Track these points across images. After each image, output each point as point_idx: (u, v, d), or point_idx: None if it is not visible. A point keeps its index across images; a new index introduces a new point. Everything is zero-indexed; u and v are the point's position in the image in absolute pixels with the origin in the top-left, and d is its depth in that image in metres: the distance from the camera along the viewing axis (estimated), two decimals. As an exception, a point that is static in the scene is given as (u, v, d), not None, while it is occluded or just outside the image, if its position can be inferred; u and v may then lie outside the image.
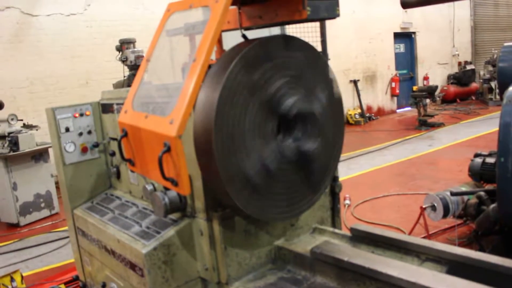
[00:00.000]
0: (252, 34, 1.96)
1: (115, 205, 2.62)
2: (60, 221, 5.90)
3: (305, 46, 1.92)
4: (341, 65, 11.99)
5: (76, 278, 3.36)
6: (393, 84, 13.82)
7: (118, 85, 6.13)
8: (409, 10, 13.14)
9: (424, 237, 3.95)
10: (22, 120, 6.21)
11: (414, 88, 12.23)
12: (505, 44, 4.53)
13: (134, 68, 5.80)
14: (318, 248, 1.93)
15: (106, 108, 2.75)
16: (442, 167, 7.07)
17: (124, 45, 5.97)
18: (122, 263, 2.23)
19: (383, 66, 13.68)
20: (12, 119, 5.93)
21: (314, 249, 1.93)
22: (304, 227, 2.28)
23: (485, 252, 3.37)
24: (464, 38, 16.83)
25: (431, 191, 5.07)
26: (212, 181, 1.74)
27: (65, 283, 3.59)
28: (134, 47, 5.99)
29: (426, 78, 14.99)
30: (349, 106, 12.62)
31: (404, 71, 14.79)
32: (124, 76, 6.20)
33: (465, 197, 3.88)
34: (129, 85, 5.48)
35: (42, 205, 6.07)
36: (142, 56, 5.75)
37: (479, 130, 9.73)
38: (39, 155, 6.02)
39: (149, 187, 2.23)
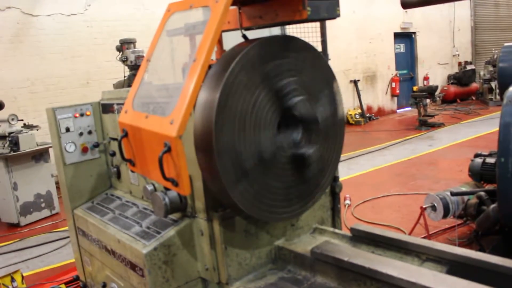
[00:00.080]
0: (252, 34, 1.96)
1: (115, 205, 2.62)
2: (60, 221, 5.91)
3: (306, 47, 1.92)
4: (341, 65, 11.99)
5: (77, 278, 3.36)
6: (393, 84, 13.83)
7: (118, 85, 6.14)
8: (409, 10, 13.15)
9: (424, 237, 3.95)
10: (22, 120, 6.21)
11: (414, 88, 12.24)
12: (506, 44, 4.54)
13: (134, 68, 5.81)
14: (318, 248, 1.93)
15: (106, 108, 2.75)
16: (442, 167, 7.07)
17: (124, 45, 5.97)
18: (122, 263, 2.23)
19: (383, 66, 13.68)
20: (12, 119, 5.94)
21: (314, 249, 1.94)
22: (305, 227, 2.28)
23: (485, 252, 3.37)
24: (464, 38, 16.83)
25: (431, 191, 5.07)
26: (213, 181, 1.74)
27: (66, 283, 3.59)
28: (134, 47, 6.00)
29: (426, 78, 14.99)
30: (350, 106, 12.62)
31: (404, 71, 14.79)
32: (125, 76, 6.21)
33: (465, 197, 3.88)
34: (129, 85, 5.48)
35: (43, 205, 6.07)
36: (143, 56, 5.75)
37: (479, 130, 9.72)
38: (40, 155, 6.03)
39: (150, 187, 2.23)
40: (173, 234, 2.02)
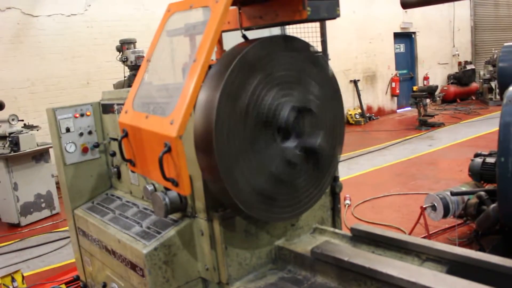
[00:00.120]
0: (252, 35, 1.96)
1: (115, 205, 2.62)
2: (60, 221, 5.91)
3: (306, 47, 1.92)
4: (341, 65, 12.00)
5: (77, 278, 3.36)
6: (393, 84, 13.83)
7: (118, 86, 6.14)
8: (409, 10, 13.14)
9: (424, 237, 3.95)
10: (23, 120, 6.22)
11: (414, 88, 12.24)
12: (505, 44, 4.54)
13: (134, 68, 5.81)
14: (318, 248, 1.93)
15: (106, 108, 2.75)
16: (442, 167, 7.07)
17: (124, 45, 5.97)
18: (122, 263, 2.23)
19: (383, 66, 13.68)
20: (13, 120, 5.94)
21: (314, 249, 1.94)
22: (305, 227, 2.28)
23: (486, 252, 3.37)
24: (464, 38, 16.83)
25: (431, 191, 5.07)
26: (213, 181, 1.74)
27: (66, 283, 3.59)
28: (134, 47, 6.00)
29: (426, 78, 14.99)
30: (350, 106, 12.62)
31: (404, 71, 14.79)
32: (125, 77, 6.21)
33: (465, 197, 3.88)
34: (129, 86, 5.48)
35: (43, 205, 6.08)
36: (143, 57, 5.75)
37: (479, 130, 9.72)
38: (40, 155, 6.03)
39: (150, 187, 2.24)
40: (173, 234, 2.02)
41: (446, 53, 16.13)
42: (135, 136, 1.80)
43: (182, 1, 1.87)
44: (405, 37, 14.62)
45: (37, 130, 6.23)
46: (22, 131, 5.91)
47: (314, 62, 1.95)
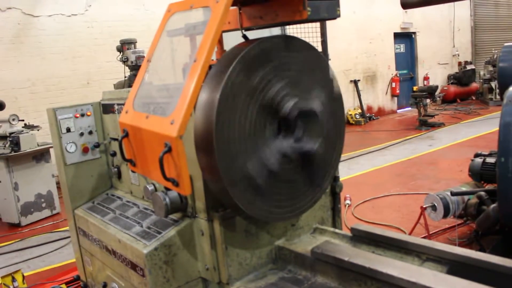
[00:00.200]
0: (252, 35, 1.97)
1: (116, 205, 2.63)
2: (61, 221, 5.91)
3: (306, 47, 1.93)
4: (341, 65, 12.00)
5: (77, 278, 3.37)
6: (394, 84, 13.82)
7: (119, 86, 6.14)
8: (409, 11, 13.15)
9: (424, 237, 3.95)
10: (23, 120, 6.22)
11: (415, 88, 12.23)
12: (506, 44, 4.54)
13: (134, 68, 5.81)
14: (318, 248, 1.93)
15: (107, 108, 2.75)
16: (443, 167, 7.07)
17: (125, 45, 5.97)
18: (123, 263, 2.23)
19: (384, 66, 13.68)
20: (13, 120, 5.94)
21: (314, 249, 1.94)
22: (305, 227, 2.28)
23: (486, 252, 3.37)
24: (464, 38, 16.83)
25: (431, 191, 5.07)
26: (213, 181, 1.74)
27: (66, 283, 3.59)
28: (134, 47, 6.00)
29: (426, 78, 14.99)
30: (350, 106, 12.62)
31: (405, 71, 14.79)
32: (125, 77, 6.21)
33: (466, 197, 3.88)
34: (130, 86, 5.49)
35: (43, 205, 6.08)
36: (143, 57, 5.76)
37: (479, 130, 9.72)
38: (40, 155, 6.03)
39: (150, 187, 2.24)
40: (173, 234, 2.02)
41: (446, 53, 16.13)
42: (135, 136, 1.80)
43: (182, 1, 1.87)
44: (405, 37, 14.62)
45: (38, 130, 6.23)
46: (22, 131, 5.92)
47: (315, 63, 1.95)
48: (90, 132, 2.80)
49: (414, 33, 14.72)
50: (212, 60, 1.66)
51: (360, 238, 2.08)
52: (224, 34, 2.26)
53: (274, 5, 1.87)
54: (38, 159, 6.01)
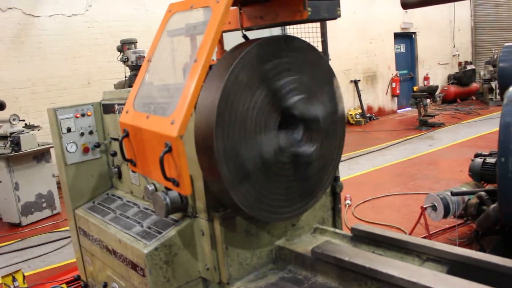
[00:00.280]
0: (253, 35, 1.97)
1: (116, 205, 2.63)
2: (61, 221, 5.91)
3: (306, 47, 1.93)
4: (341, 65, 12.00)
5: (78, 278, 3.37)
6: (394, 84, 13.82)
7: (119, 86, 6.14)
8: (410, 11, 13.15)
9: (424, 237, 3.95)
10: (24, 120, 6.22)
11: (415, 88, 12.23)
12: (506, 44, 4.54)
13: (135, 68, 5.81)
14: (319, 248, 1.94)
15: (107, 108, 2.75)
16: (443, 167, 7.07)
17: (125, 45, 5.97)
18: (123, 263, 2.23)
19: (384, 66, 13.68)
20: (14, 120, 5.95)
21: (315, 249, 1.94)
22: (305, 227, 2.28)
23: (486, 252, 3.37)
24: (465, 38, 16.82)
25: (431, 191, 5.07)
26: (214, 181, 1.75)
27: (67, 283, 3.60)
28: (135, 47, 6.00)
29: (426, 78, 14.99)
30: (350, 106, 12.63)
31: (405, 71, 14.78)
32: (125, 77, 6.21)
33: (466, 197, 3.88)
34: (130, 86, 5.49)
35: (44, 205, 6.08)
36: (143, 57, 5.76)
37: (479, 130, 9.72)
38: (41, 155, 6.04)
39: (151, 187, 2.24)
40: (174, 234, 2.02)
41: (446, 53, 16.13)
42: (136, 136, 1.80)
43: (183, 2, 1.87)
44: (405, 37, 14.62)
45: (38, 130, 6.23)
46: (23, 131, 5.92)
47: (316, 63, 1.95)
48: (91, 132, 2.80)
49: (414, 33, 14.72)
50: (213, 60, 1.66)
51: (361, 238, 2.08)
52: (225, 34, 2.26)
53: (274, 5, 1.87)
54: (39, 159, 6.02)
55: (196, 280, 2.10)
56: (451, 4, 14.95)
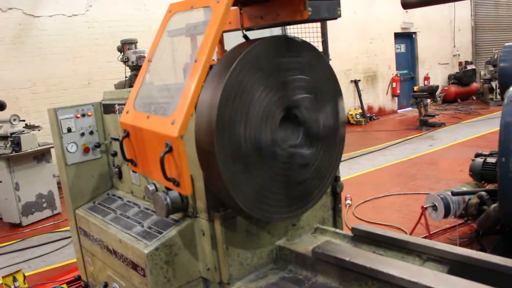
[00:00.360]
0: (253, 35, 1.97)
1: (117, 205, 2.63)
2: (62, 221, 5.92)
3: (307, 47, 1.93)
4: (342, 65, 12.00)
5: (78, 278, 3.37)
6: (394, 84, 13.82)
7: (119, 86, 6.14)
8: (410, 11, 13.15)
9: (425, 237, 3.95)
10: (24, 120, 6.23)
11: (415, 88, 12.23)
12: (506, 44, 4.54)
13: (135, 68, 5.81)
14: (319, 248, 1.94)
15: (108, 108, 2.76)
16: (443, 167, 7.07)
17: (125, 45, 5.97)
18: (124, 263, 2.23)
19: (384, 66, 13.68)
20: (14, 120, 5.95)
21: (315, 249, 1.94)
22: (306, 227, 2.28)
23: (486, 252, 3.37)
24: (465, 38, 16.82)
25: (432, 191, 5.07)
26: (214, 181, 1.75)
27: (67, 283, 3.60)
28: (135, 47, 6.00)
29: (427, 78, 14.98)
30: (350, 106, 12.62)
31: (405, 71, 14.78)
32: (126, 77, 6.21)
33: (466, 197, 3.88)
34: (130, 86, 5.49)
35: (44, 205, 6.09)
36: (144, 57, 5.76)
37: (480, 130, 9.72)
38: (41, 156, 6.04)
39: (151, 187, 2.24)
40: (174, 234, 2.02)
41: (446, 53, 16.12)
42: (136, 136, 1.80)
43: (183, 2, 1.87)
44: (405, 37, 14.61)
45: (39, 130, 6.24)
46: (23, 131, 5.92)
47: (315, 63, 1.95)
48: (91, 132, 2.80)
49: (415, 33, 14.72)
50: (213, 60, 1.66)
51: (361, 238, 2.08)
52: (225, 34, 2.26)
53: (275, 5, 1.87)
54: (39, 159, 6.02)
55: (197, 280, 2.10)
56: (452, 4, 14.94)
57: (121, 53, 6.04)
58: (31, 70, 7.54)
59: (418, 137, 9.80)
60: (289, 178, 1.88)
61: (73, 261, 3.96)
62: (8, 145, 5.74)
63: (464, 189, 4.00)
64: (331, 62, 2.19)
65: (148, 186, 2.25)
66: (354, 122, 12.25)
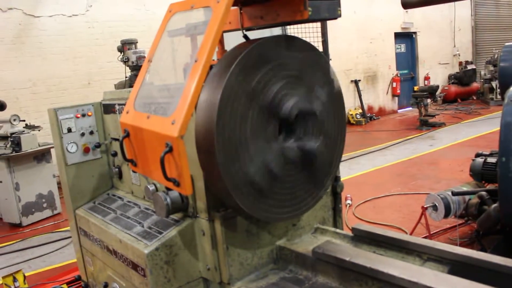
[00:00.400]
0: (253, 35, 1.97)
1: (117, 205, 2.63)
2: (62, 221, 5.92)
3: (306, 47, 1.93)
4: (342, 65, 12.00)
5: (78, 278, 3.37)
6: (394, 84, 13.82)
7: (119, 86, 6.14)
8: (410, 10, 13.15)
9: (425, 237, 3.95)
10: (24, 120, 6.23)
11: (415, 88, 12.23)
12: (506, 44, 4.54)
13: (135, 68, 5.81)
14: (319, 248, 1.93)
15: (108, 108, 2.76)
16: (443, 167, 7.07)
17: (125, 45, 5.97)
18: (124, 263, 2.23)
19: (384, 66, 13.68)
20: (14, 120, 5.95)
21: (315, 249, 1.94)
22: (306, 227, 2.28)
23: (487, 252, 3.36)
24: (465, 38, 16.82)
25: (432, 191, 5.06)
26: (214, 181, 1.74)
27: (68, 283, 3.60)
28: (135, 47, 5.99)
29: (427, 78, 14.98)
30: (350, 106, 12.62)
31: (405, 71, 14.78)
32: (126, 77, 6.21)
33: (467, 197, 3.88)
34: (130, 86, 5.49)
35: (45, 205, 6.09)
36: (144, 57, 5.75)
37: (480, 130, 9.72)
38: (42, 156, 6.04)
39: (151, 187, 2.24)
40: (174, 234, 2.02)
41: (447, 53, 16.12)
42: (136, 136, 1.80)
43: (183, 2, 1.87)
44: (405, 37, 14.61)
45: (39, 130, 6.24)
46: (23, 131, 5.92)
47: (315, 63, 1.95)
48: (91, 132, 2.80)
49: (415, 33, 14.72)
50: (213, 60, 1.66)
51: (361, 238, 2.08)
52: (225, 34, 2.26)
53: (275, 5, 1.87)
54: (39, 159, 6.02)
55: (197, 280, 2.10)
56: (452, 3, 14.94)
57: (121, 53, 6.03)
58: (31, 70, 7.54)
59: (418, 137, 9.80)
60: (290, 177, 1.88)
61: (73, 261, 3.96)
62: (8, 145, 5.74)
63: (465, 189, 4.00)
64: (331, 62, 2.19)
65: (148, 186, 2.24)
66: (354, 122, 12.25)
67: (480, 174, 4.10)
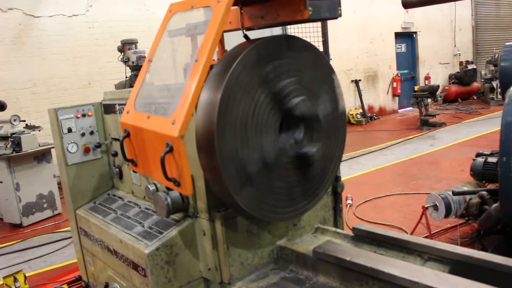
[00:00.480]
0: (254, 35, 1.97)
1: (117, 206, 2.63)
2: (62, 221, 5.92)
3: (307, 46, 1.93)
4: (342, 65, 12.00)
5: (79, 278, 3.37)
6: (395, 84, 13.82)
7: (120, 86, 6.14)
8: (410, 10, 13.15)
9: (426, 237, 3.94)
10: (24, 121, 6.23)
11: (416, 88, 12.22)
12: (507, 43, 4.53)
13: (136, 68, 5.81)
14: (320, 248, 1.93)
15: (108, 108, 2.75)
16: (444, 166, 7.06)
17: (125, 45, 5.97)
18: (124, 263, 2.23)
19: (385, 66, 13.68)
20: (14, 120, 5.96)
21: (316, 249, 1.94)
22: (306, 227, 2.28)
23: (488, 251, 3.36)
24: (466, 37, 16.81)
25: (433, 190, 5.06)
26: (215, 181, 1.74)
27: (68, 283, 3.60)
28: (135, 47, 6.00)
29: (427, 78, 14.98)
30: (351, 106, 12.62)
31: (406, 71, 14.78)
32: (126, 77, 6.21)
33: (467, 197, 3.87)
34: (131, 86, 5.49)
35: (45, 205, 6.09)
36: (144, 57, 5.76)
37: (480, 129, 9.71)
38: (42, 156, 6.04)
39: (152, 187, 2.24)
40: (175, 234, 2.02)
41: (447, 53, 16.12)
42: (136, 136, 1.80)
43: (183, 1, 1.87)
44: (406, 37, 14.61)
45: (39, 130, 6.24)
46: (24, 131, 5.93)
47: (317, 63, 1.95)
48: (92, 133, 2.80)
49: (415, 32, 14.71)
50: (213, 60, 1.66)
51: (362, 238, 2.08)
52: (225, 34, 2.26)
53: (275, 5, 1.87)
54: (40, 159, 6.02)
55: (198, 280, 2.10)
56: (452, 3, 14.93)
57: (121, 53, 6.04)
58: (31, 70, 7.54)
59: (418, 136, 9.79)
60: (291, 177, 1.88)
61: (74, 262, 3.95)
62: (8, 146, 5.74)
63: (465, 188, 4.00)
64: (331, 62, 2.19)
65: (149, 186, 2.24)
66: (354, 122, 12.25)
67: (481, 173, 4.10)
